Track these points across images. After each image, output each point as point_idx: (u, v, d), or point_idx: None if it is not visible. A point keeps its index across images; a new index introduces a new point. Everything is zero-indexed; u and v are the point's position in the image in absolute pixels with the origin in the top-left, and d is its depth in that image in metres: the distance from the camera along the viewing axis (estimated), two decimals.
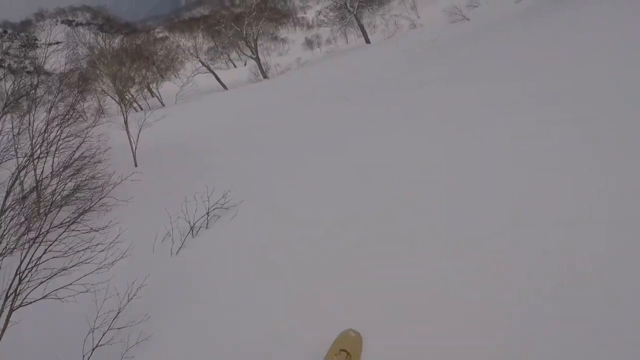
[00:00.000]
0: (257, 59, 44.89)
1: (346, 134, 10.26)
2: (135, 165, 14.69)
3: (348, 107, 13.15)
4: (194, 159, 14.16)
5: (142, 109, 37.03)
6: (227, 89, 41.86)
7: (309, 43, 66.47)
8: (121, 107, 16.84)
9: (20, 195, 11.01)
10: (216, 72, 44.93)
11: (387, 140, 8.46)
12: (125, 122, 15.41)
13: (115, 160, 14.23)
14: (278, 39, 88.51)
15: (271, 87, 30.09)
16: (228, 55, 58.98)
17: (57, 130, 12.16)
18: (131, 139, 15.19)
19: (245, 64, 54.93)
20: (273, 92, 25.86)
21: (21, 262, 5.88)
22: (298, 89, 23.36)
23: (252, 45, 44.90)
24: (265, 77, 43.57)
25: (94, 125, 13.86)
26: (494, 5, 27.15)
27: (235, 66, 62.64)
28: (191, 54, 45.78)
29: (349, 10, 41.18)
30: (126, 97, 30.62)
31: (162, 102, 39.16)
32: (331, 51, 47.01)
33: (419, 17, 44.12)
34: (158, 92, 41.01)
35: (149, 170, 13.66)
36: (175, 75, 48.15)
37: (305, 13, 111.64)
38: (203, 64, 44.28)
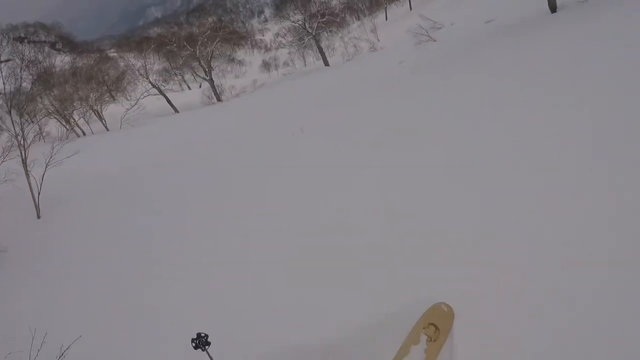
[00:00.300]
0: (211, 81, 42.13)
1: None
2: (38, 217, 11.63)
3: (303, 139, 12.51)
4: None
5: (84, 134, 33.81)
6: (177, 112, 39.02)
7: (266, 65, 63.91)
8: (19, 143, 12.96)
9: None
10: (168, 94, 42.00)
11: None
12: (24, 162, 12.27)
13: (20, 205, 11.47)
14: (235, 60, 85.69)
15: (223, 110, 27.50)
16: (182, 77, 56.02)
17: None
18: (31, 184, 12.24)
19: (200, 86, 51.99)
20: (225, 115, 23.27)
21: None
22: (250, 112, 21.04)
23: (206, 67, 42.13)
24: (219, 99, 40.84)
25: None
26: (461, 26, 25.16)
27: (189, 88, 59.54)
28: (140, 74, 42.60)
29: (308, 32, 39.08)
30: (70, 119, 27.50)
31: (106, 127, 35.87)
32: (289, 73, 44.68)
33: (378, 40, 42.12)
34: (101, 115, 37.46)
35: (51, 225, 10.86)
36: (126, 98, 45.11)
37: (263, 35, 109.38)
38: (153, 85, 41.26)
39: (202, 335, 4.27)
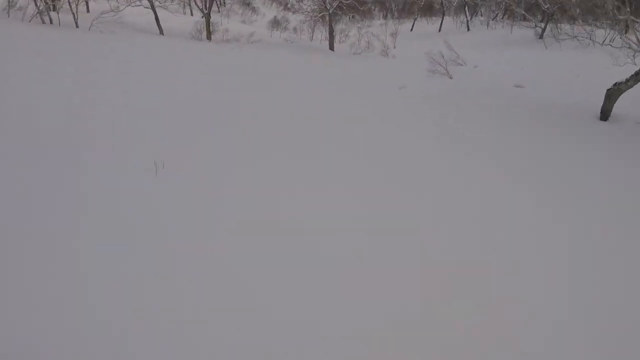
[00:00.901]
0: (208, 16, 36.99)
1: None
2: None
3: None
4: None
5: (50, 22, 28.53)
6: (162, 34, 33.78)
7: (275, 23, 58.75)
8: None
9: None
10: (161, 12, 36.20)
11: None
12: None
13: None
14: (250, 5, 79.94)
15: (204, 54, 22.86)
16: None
17: None
18: None
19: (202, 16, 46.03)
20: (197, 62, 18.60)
21: None
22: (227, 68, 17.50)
23: None
24: (208, 38, 35.92)
25: None
26: (484, 76, 21.19)
27: (192, 14, 53.82)
28: None
29: (326, 8, 34.43)
30: None
31: (76, 22, 30.27)
32: (290, 41, 39.88)
33: (394, 47, 37.93)
34: (76, 8, 31.63)
35: None
36: None
37: None
38: None
39: None
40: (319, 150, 8.48)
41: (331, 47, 35.49)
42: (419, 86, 16.70)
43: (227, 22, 53.49)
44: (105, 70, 12.98)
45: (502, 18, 63.10)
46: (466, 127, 10.61)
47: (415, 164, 8.24)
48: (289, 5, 79.23)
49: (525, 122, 11.71)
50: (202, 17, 39.42)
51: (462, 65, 23.82)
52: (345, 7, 35.65)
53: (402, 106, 12.62)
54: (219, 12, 66.91)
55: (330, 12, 34.37)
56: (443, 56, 21.08)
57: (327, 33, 37.29)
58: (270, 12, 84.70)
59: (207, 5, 36.96)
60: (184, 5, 50.43)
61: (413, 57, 28.68)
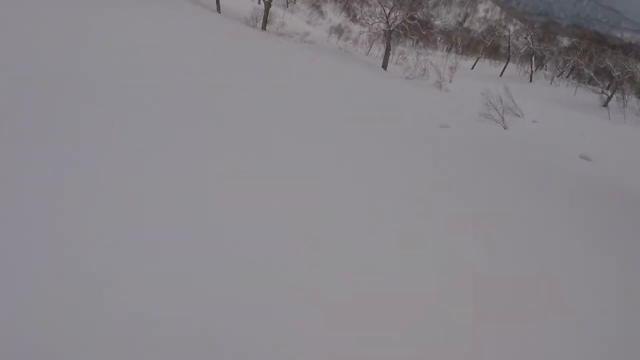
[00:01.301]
0: (268, 5, 34.81)
1: None
2: None
3: None
4: None
5: None
6: (219, 12, 31.69)
7: (338, 30, 56.33)
8: None
9: None
10: None
11: None
12: None
13: None
14: (319, 9, 78.07)
15: (256, 43, 20.45)
16: None
17: None
18: None
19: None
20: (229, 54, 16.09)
21: None
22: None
23: None
24: (263, 28, 33.81)
25: None
26: (543, 134, 18.21)
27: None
28: None
29: (387, 23, 31.90)
30: None
31: None
32: (345, 51, 37.44)
33: (450, 81, 35.21)
34: None
35: None
36: None
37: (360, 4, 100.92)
38: None
39: None
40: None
41: (384, 66, 32.94)
42: (465, 129, 13.93)
43: (290, 17, 51.54)
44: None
45: (567, 76, 59.85)
46: (521, 214, 7.52)
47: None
48: (357, 17, 77.13)
49: (618, 222, 8.36)
50: (260, 2, 37.59)
51: (519, 116, 20.93)
52: (407, 27, 32.98)
53: (433, 155, 9.83)
54: (287, 7, 65.49)
55: (392, 28, 31.82)
56: (501, 101, 18.31)
57: (383, 51, 34.87)
58: (337, 19, 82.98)
59: None
60: None
61: (467, 96, 25.95)
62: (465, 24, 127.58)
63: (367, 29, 35.94)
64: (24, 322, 2.85)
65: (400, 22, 31.84)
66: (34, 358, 2.67)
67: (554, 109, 30.12)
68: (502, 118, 16.90)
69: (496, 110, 17.78)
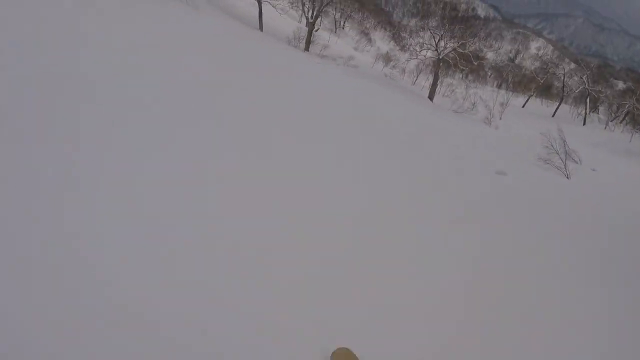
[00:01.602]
0: (312, 25, 33.08)
1: None
2: None
3: None
4: None
5: None
6: (261, 30, 30.01)
7: (385, 57, 54.32)
8: None
9: None
10: (266, 6, 32.30)
11: None
12: None
13: None
14: (367, 36, 76.61)
15: (297, 69, 18.51)
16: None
17: None
18: None
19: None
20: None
21: None
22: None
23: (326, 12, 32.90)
24: (306, 49, 32.04)
25: None
26: (602, 181, 15.44)
27: (302, 22, 50.22)
28: None
29: (437, 51, 29.60)
30: None
31: None
32: (390, 78, 35.30)
33: (500, 118, 32.59)
34: None
35: None
36: None
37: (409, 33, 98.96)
38: None
39: None
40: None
41: (431, 97, 30.58)
42: (524, 178, 11.44)
43: (337, 41, 49.96)
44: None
45: (622, 121, 55.97)
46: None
47: None
48: (406, 47, 75.21)
49: None
50: (299, 22, 35.98)
51: (577, 162, 18.19)
52: (457, 56, 30.51)
53: (497, 210, 7.54)
54: (334, 32, 64.34)
55: (441, 57, 29.49)
56: (565, 143, 15.71)
57: (430, 81, 32.59)
58: (385, 47, 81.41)
59: (313, 14, 33.12)
60: (292, 5, 45.74)
61: (519, 135, 23.38)
62: (517, 61, 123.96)
63: (414, 55, 33.62)
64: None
65: (450, 51, 29.48)
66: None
67: (611, 156, 27.08)
68: (565, 165, 14.26)
69: (557, 154, 15.19)
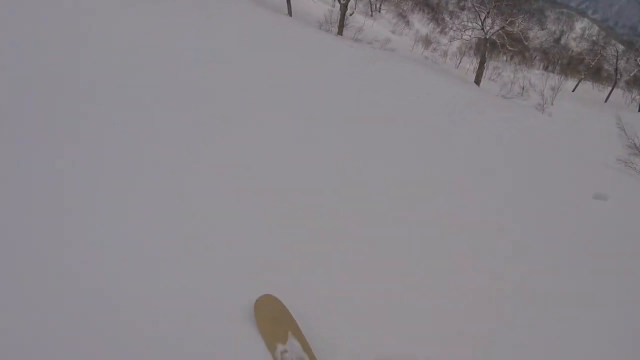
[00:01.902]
0: (344, 7, 30.64)
1: None
2: None
3: None
4: None
5: None
6: (290, 15, 27.78)
7: (425, 41, 51.31)
8: None
9: None
10: None
11: None
12: None
13: None
14: (405, 19, 73.54)
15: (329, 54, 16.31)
16: None
17: None
18: None
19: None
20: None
21: None
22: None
23: None
24: (339, 32, 29.66)
25: None
26: None
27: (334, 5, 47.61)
28: None
29: (484, 31, 26.73)
30: None
31: None
32: (430, 60, 32.57)
33: (552, 104, 29.61)
34: None
35: None
36: None
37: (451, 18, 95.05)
38: None
39: None
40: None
41: (477, 81, 27.76)
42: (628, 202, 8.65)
43: (373, 24, 47.30)
44: None
45: None
46: None
47: None
48: (446, 29, 71.86)
49: None
50: (333, 6, 33.24)
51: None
52: (504, 36, 27.54)
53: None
54: (370, 15, 61.62)
55: (487, 36, 26.61)
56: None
57: (477, 64, 29.76)
58: (424, 29, 78.11)
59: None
60: None
61: (579, 126, 20.49)
62: (562, 42, 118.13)
63: (459, 36, 30.71)
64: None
65: (498, 30, 26.58)
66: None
67: None
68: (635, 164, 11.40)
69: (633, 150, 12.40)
